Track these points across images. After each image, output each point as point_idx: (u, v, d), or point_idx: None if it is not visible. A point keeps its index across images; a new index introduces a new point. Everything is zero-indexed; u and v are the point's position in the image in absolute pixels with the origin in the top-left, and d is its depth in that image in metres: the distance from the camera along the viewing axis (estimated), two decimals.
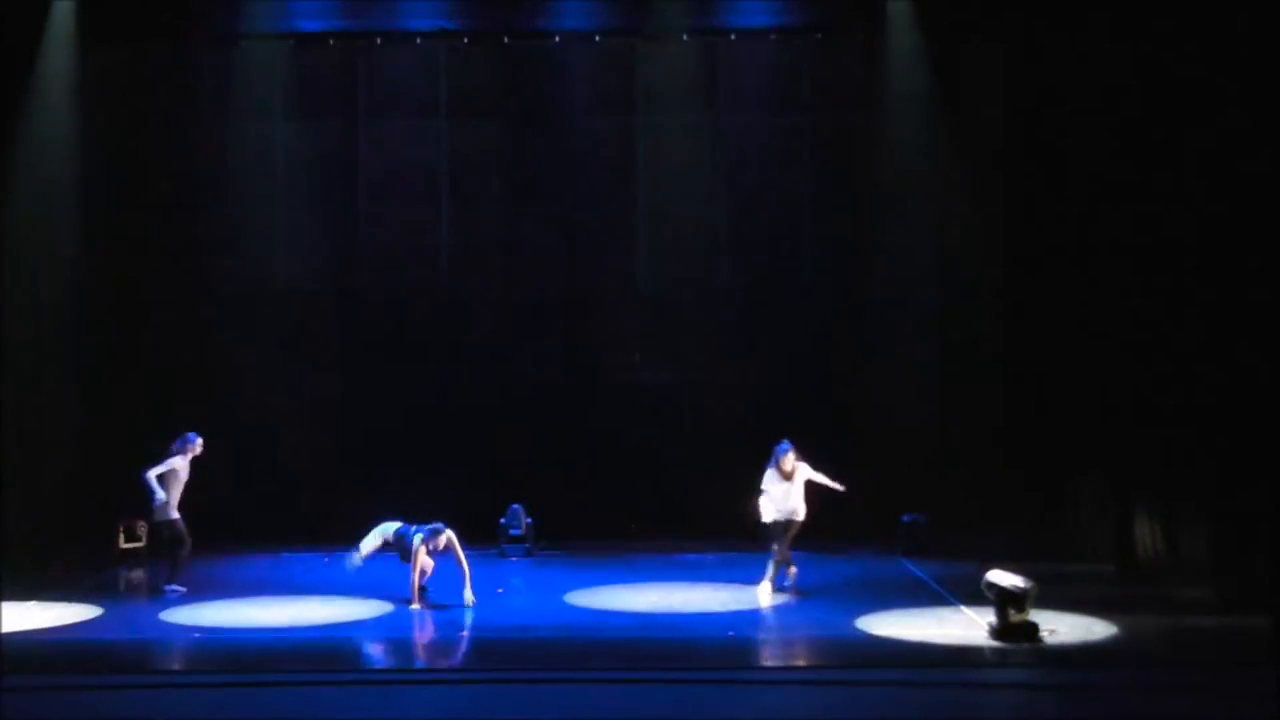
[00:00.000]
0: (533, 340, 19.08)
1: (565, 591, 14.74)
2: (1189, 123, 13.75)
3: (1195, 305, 13.72)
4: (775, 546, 14.47)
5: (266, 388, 18.56)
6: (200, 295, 18.78)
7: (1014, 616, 12.25)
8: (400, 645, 12.58)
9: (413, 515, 17.91)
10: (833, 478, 14.67)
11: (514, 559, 16.93)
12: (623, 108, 19.05)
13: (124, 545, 16.59)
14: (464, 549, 16.28)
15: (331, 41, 18.72)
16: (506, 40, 18.80)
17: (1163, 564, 14.63)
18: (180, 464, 14.93)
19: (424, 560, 14.02)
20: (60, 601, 14.25)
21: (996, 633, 12.30)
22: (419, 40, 18.70)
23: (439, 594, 14.43)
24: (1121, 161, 15.25)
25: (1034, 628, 12.28)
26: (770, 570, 14.54)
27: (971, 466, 18.12)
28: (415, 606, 13.78)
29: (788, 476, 14.49)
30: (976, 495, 17.86)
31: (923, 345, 18.56)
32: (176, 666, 12.18)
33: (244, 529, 17.41)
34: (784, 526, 14.43)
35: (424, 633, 12.89)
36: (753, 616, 13.72)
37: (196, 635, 12.91)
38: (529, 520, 17.16)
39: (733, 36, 18.79)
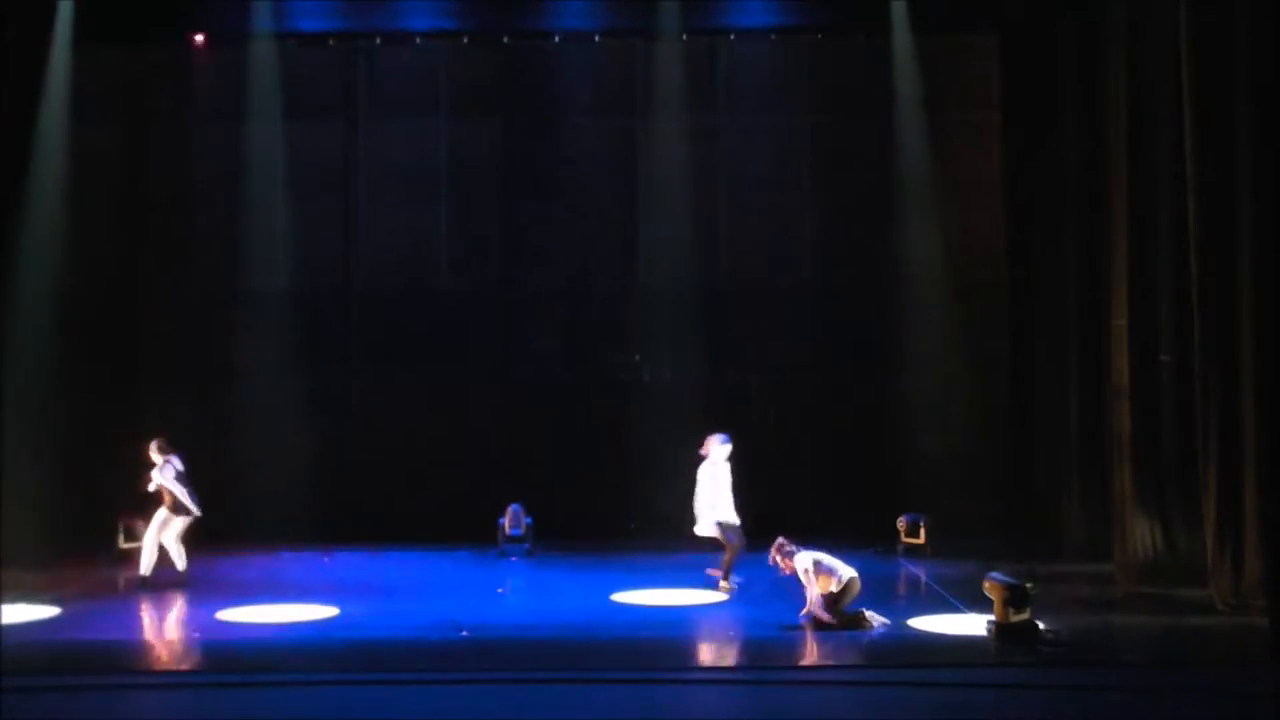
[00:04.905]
0: (533, 340, 19.09)
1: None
2: (1188, 120, 13.72)
3: (1196, 302, 13.68)
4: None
5: (267, 387, 18.54)
6: (200, 295, 18.79)
7: (1014, 616, 12.25)
8: (400, 645, 12.57)
9: (412, 516, 18.07)
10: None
11: (514, 559, 16.92)
12: (623, 108, 19.06)
13: (124, 545, 16.60)
14: (464, 549, 16.39)
15: (331, 41, 18.73)
16: (506, 40, 18.81)
17: (1163, 564, 14.62)
18: (703, 473, 14.95)
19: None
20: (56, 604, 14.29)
21: (996, 633, 12.30)
22: (419, 40, 18.70)
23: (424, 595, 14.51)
24: (1122, 160, 15.23)
25: (1034, 627, 12.29)
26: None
27: (971, 466, 18.14)
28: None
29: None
30: (976, 495, 17.88)
31: (923, 344, 18.56)
32: (177, 666, 12.17)
33: (244, 529, 17.41)
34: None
35: (424, 633, 12.88)
36: (752, 616, 13.71)
37: (196, 635, 12.91)
38: (529, 520, 17.16)
39: (732, 36, 18.80)
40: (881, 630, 12.76)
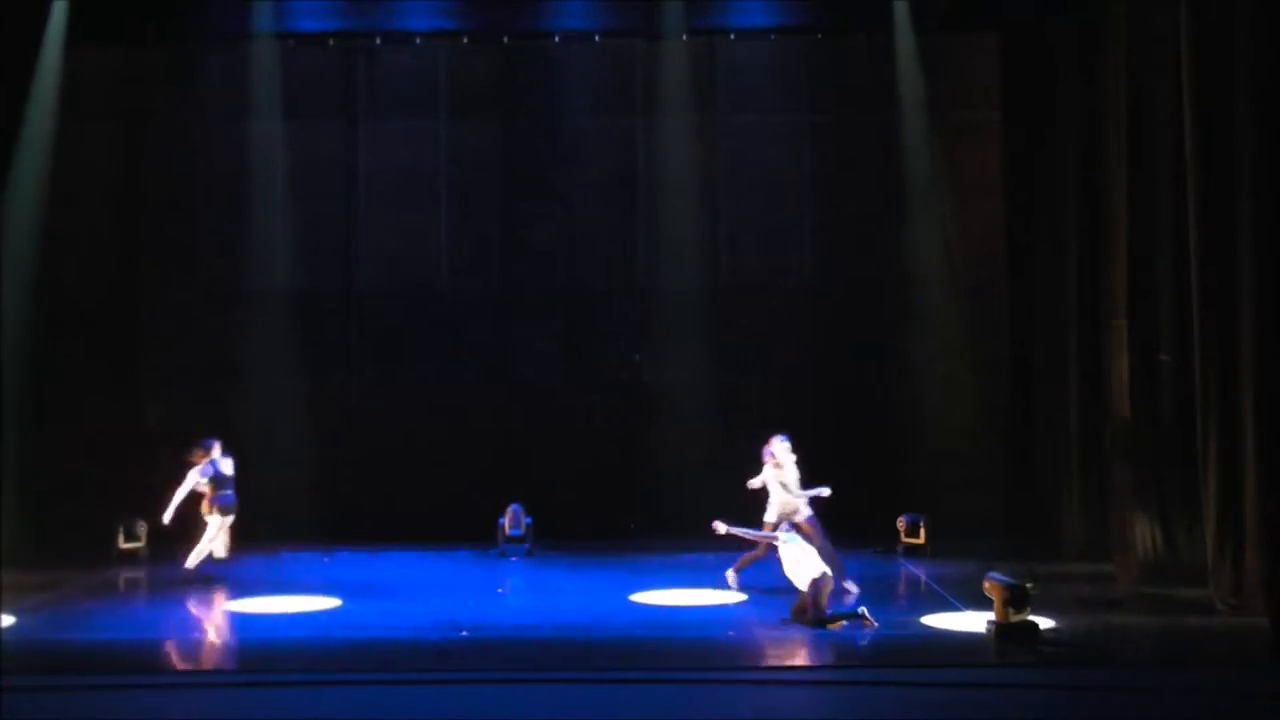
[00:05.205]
0: (533, 340, 19.09)
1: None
2: (1188, 120, 13.73)
3: (1196, 303, 13.69)
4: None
5: (266, 387, 18.54)
6: (200, 295, 18.80)
7: (1014, 616, 12.26)
8: (400, 645, 12.58)
9: (412, 516, 18.06)
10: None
11: (514, 559, 16.93)
12: (623, 108, 19.07)
13: (124, 545, 16.62)
14: (464, 548, 16.37)
15: (331, 41, 18.73)
16: (506, 40, 18.82)
17: (1163, 564, 14.63)
18: (769, 474, 14.81)
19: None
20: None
21: (996, 633, 12.31)
22: (419, 40, 18.70)
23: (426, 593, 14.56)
24: (1122, 160, 15.24)
25: (1034, 628, 12.29)
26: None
27: (971, 466, 18.15)
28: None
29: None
30: (976, 495, 17.88)
31: (923, 344, 18.58)
32: (177, 666, 12.18)
33: (244, 529, 17.38)
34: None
35: (424, 632, 12.89)
36: (753, 616, 13.72)
37: (196, 635, 12.92)
38: (529, 520, 17.16)
39: (733, 36, 18.81)
40: (871, 630, 12.77)
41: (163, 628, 13.30)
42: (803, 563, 13.11)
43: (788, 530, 13.52)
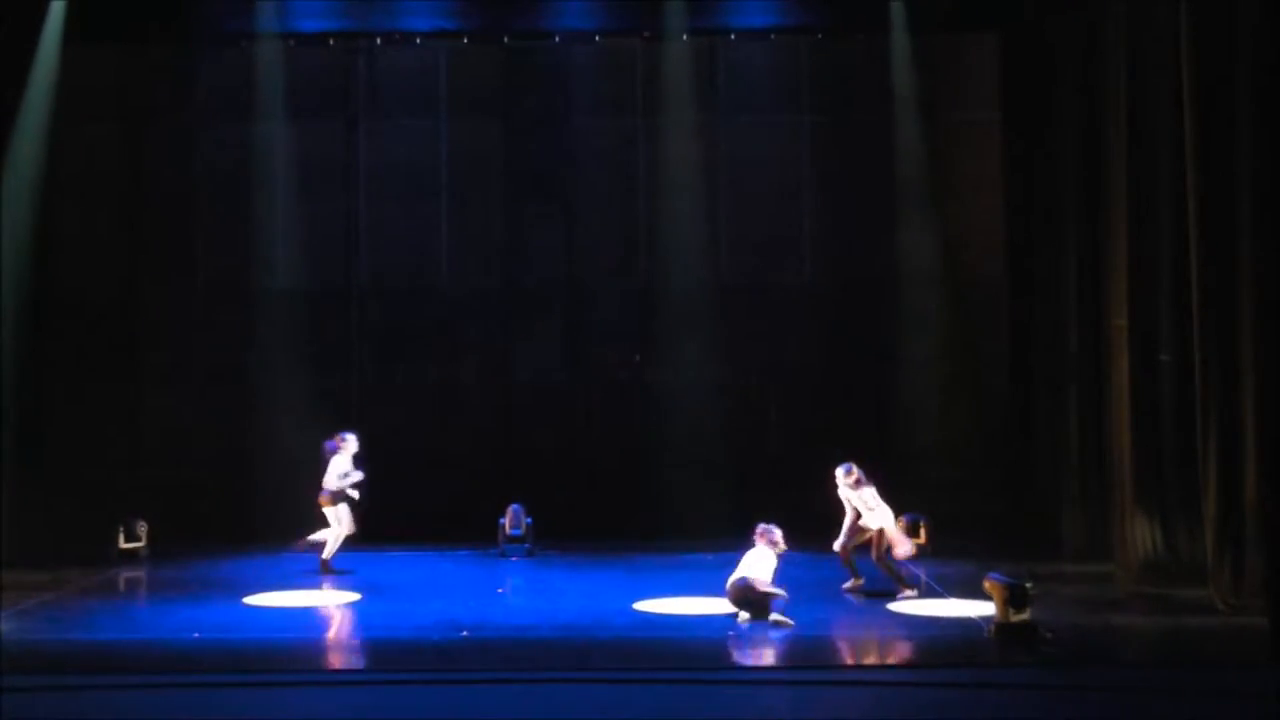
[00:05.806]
0: (533, 340, 19.09)
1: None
2: (1188, 120, 13.73)
3: (1196, 302, 13.69)
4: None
5: (267, 387, 18.54)
6: (201, 295, 18.81)
7: (1014, 616, 12.25)
8: (400, 645, 12.59)
9: (412, 516, 18.03)
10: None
11: (514, 559, 16.93)
12: (623, 108, 19.07)
13: (124, 545, 16.62)
14: (465, 549, 16.32)
15: (331, 41, 18.74)
16: (506, 40, 18.83)
17: (1163, 564, 14.63)
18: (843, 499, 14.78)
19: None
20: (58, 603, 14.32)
21: (996, 633, 12.31)
22: (419, 40, 18.71)
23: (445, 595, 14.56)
24: (1122, 159, 15.24)
25: (1034, 628, 12.29)
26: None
27: (971, 466, 18.14)
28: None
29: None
30: (976, 495, 17.87)
31: (923, 344, 18.57)
32: (176, 666, 12.17)
33: (244, 528, 17.42)
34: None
35: (424, 633, 12.89)
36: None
37: (196, 635, 12.91)
38: (529, 520, 17.16)
39: (733, 36, 18.81)
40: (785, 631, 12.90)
41: (163, 628, 13.29)
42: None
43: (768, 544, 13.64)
